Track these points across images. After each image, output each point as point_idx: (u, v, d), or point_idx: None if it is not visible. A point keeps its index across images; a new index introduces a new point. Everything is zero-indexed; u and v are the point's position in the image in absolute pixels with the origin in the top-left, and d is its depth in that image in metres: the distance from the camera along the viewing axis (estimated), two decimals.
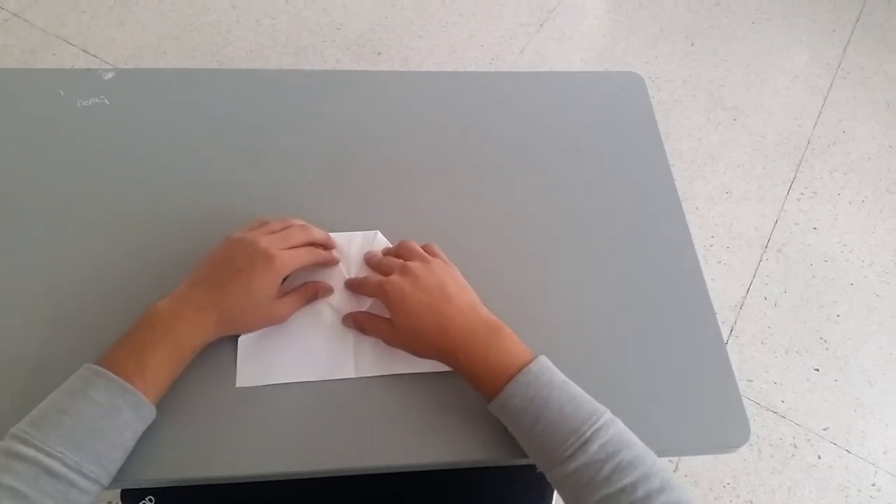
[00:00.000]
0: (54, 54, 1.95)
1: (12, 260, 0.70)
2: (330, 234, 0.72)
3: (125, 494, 0.76)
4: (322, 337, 0.67)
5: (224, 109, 0.85)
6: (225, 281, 0.61)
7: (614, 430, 0.55)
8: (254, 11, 2.15)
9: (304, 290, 0.67)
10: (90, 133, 0.80)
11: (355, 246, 0.72)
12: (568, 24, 2.27)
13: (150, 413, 0.56)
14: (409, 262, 0.65)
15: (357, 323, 0.67)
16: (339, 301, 0.69)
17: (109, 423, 0.52)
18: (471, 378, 0.60)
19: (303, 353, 0.66)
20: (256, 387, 0.63)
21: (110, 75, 0.86)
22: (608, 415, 0.56)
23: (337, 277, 0.70)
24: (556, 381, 0.58)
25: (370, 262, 0.70)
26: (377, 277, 0.66)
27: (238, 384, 0.63)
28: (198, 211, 0.75)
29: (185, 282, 0.62)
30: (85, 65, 1.92)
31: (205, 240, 0.72)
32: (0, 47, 1.94)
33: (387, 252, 0.71)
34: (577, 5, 2.34)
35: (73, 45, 1.97)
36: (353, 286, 0.69)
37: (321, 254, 0.69)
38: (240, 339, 0.65)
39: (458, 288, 0.65)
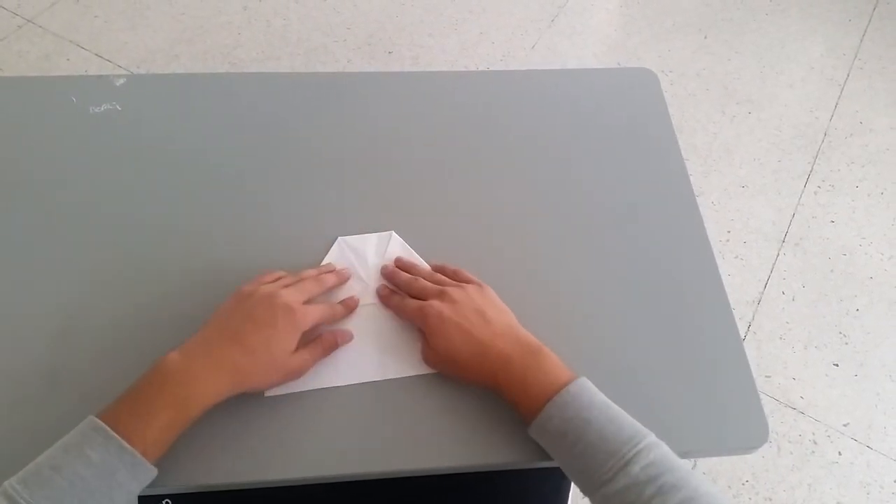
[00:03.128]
0: (68, 59, 1.96)
1: (24, 267, 0.70)
2: (344, 237, 0.72)
3: (142, 497, 0.76)
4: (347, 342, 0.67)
5: (236, 114, 0.85)
6: (243, 336, 0.58)
7: (657, 453, 0.53)
8: (265, 12, 2.15)
9: (323, 340, 0.64)
10: (103, 139, 0.81)
11: (371, 248, 0.72)
12: (579, 20, 2.25)
13: (146, 474, 0.52)
14: (446, 288, 0.65)
15: (392, 304, 0.68)
16: (360, 308, 0.69)
17: (102, 484, 0.49)
18: (511, 401, 0.60)
19: (329, 359, 0.65)
20: (277, 393, 0.63)
21: (122, 81, 0.86)
22: (652, 437, 0.54)
23: (356, 282, 0.71)
24: (595, 403, 0.56)
25: (399, 281, 0.69)
26: (415, 302, 0.65)
27: (267, 393, 0.62)
28: (211, 216, 0.75)
29: (199, 336, 0.59)
30: (98, 69, 1.93)
31: (218, 244, 0.72)
32: (15, 53, 1.96)
33: (413, 272, 0.70)
34: (588, 0, 2.32)
35: (86, 49, 1.99)
36: (392, 307, 0.68)
37: (338, 309, 0.67)
38: None
39: (496, 312, 0.65)
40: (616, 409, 0.57)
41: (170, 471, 0.57)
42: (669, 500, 0.50)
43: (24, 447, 0.51)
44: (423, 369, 0.65)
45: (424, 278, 0.69)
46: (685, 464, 0.54)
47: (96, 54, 1.98)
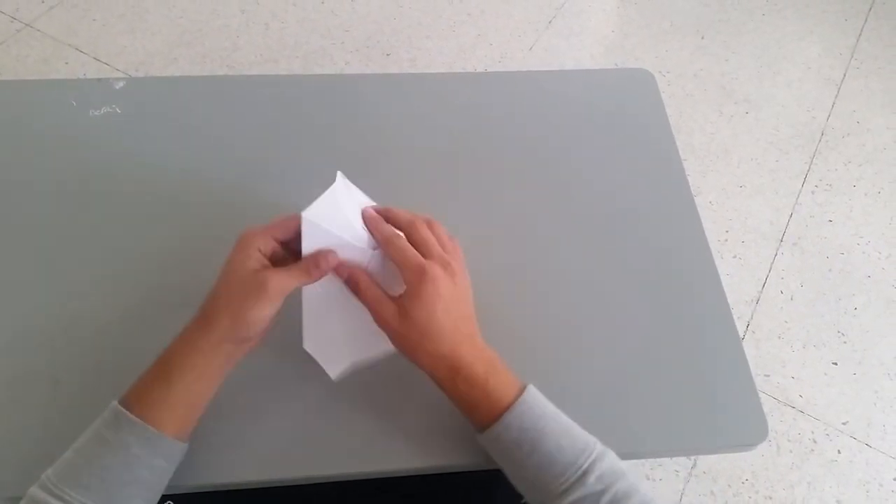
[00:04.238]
0: (66, 63, 1.96)
1: (26, 270, 0.70)
2: (306, 213, 0.58)
3: None
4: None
5: (235, 116, 0.85)
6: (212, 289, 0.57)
7: (608, 462, 0.53)
8: (262, 15, 2.15)
9: (302, 261, 0.57)
10: (103, 142, 0.81)
11: (334, 204, 0.60)
12: (577, 21, 2.26)
13: (169, 448, 0.53)
14: (452, 262, 0.59)
15: (353, 282, 0.59)
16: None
17: (117, 461, 0.50)
18: (467, 402, 0.57)
19: (369, 326, 0.59)
20: (267, 395, 0.63)
21: (121, 84, 0.86)
22: (600, 446, 0.54)
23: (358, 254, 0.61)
24: (548, 413, 0.56)
25: (401, 219, 0.61)
26: (418, 256, 0.58)
27: (334, 377, 0.59)
28: (211, 217, 0.75)
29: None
30: (96, 72, 1.93)
31: (218, 245, 0.72)
32: (13, 57, 1.96)
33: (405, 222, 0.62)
34: (585, 1, 2.32)
35: (84, 53, 1.99)
36: (393, 248, 0.59)
37: (279, 220, 0.59)
38: (304, 344, 0.60)
39: (472, 311, 0.61)
40: (566, 419, 0.56)
41: None
42: None
43: (26, 451, 0.51)
44: None
45: (404, 223, 0.62)
46: (629, 468, 0.54)
47: (94, 58, 1.98)
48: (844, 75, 2.14)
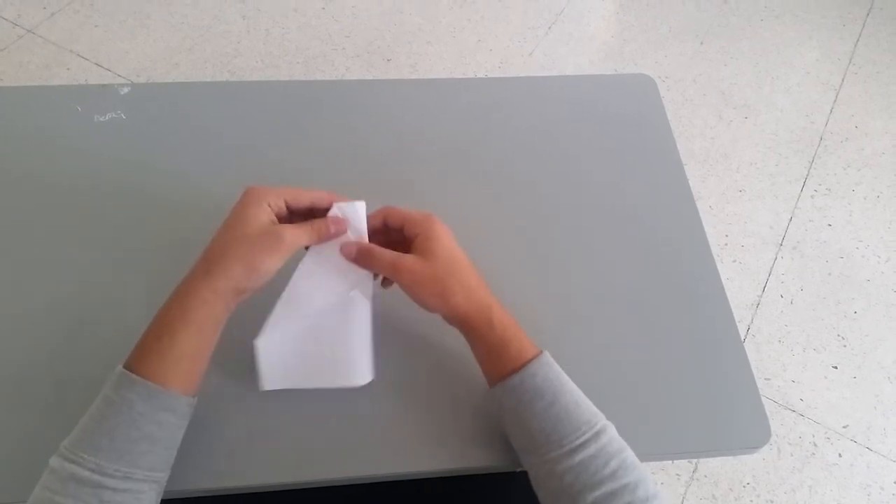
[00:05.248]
0: (68, 69, 1.97)
1: (32, 274, 0.70)
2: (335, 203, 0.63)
3: None
4: (342, 339, 0.61)
5: (238, 121, 0.86)
6: (216, 240, 0.58)
7: (614, 431, 0.55)
8: (263, 21, 2.16)
9: (314, 222, 0.60)
10: (108, 148, 0.81)
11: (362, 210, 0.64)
12: (576, 26, 2.27)
13: (172, 400, 0.53)
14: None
15: (365, 253, 0.60)
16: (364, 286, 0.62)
17: (122, 419, 0.51)
18: (499, 344, 0.57)
19: (323, 357, 0.61)
20: (265, 397, 0.62)
21: (126, 90, 0.87)
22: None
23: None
24: (562, 371, 0.57)
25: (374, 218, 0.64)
26: (416, 210, 0.62)
27: (266, 387, 0.61)
28: (216, 222, 0.75)
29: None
30: (98, 78, 1.94)
31: None
32: (16, 63, 1.97)
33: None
34: (585, 7, 2.34)
35: (86, 59, 2.00)
36: (395, 211, 0.63)
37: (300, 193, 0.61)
38: (257, 343, 0.59)
39: None
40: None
41: None
42: (629, 474, 0.52)
43: (29, 454, 0.52)
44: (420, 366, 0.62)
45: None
46: None
47: (96, 63, 1.99)
48: (843, 80, 2.15)
